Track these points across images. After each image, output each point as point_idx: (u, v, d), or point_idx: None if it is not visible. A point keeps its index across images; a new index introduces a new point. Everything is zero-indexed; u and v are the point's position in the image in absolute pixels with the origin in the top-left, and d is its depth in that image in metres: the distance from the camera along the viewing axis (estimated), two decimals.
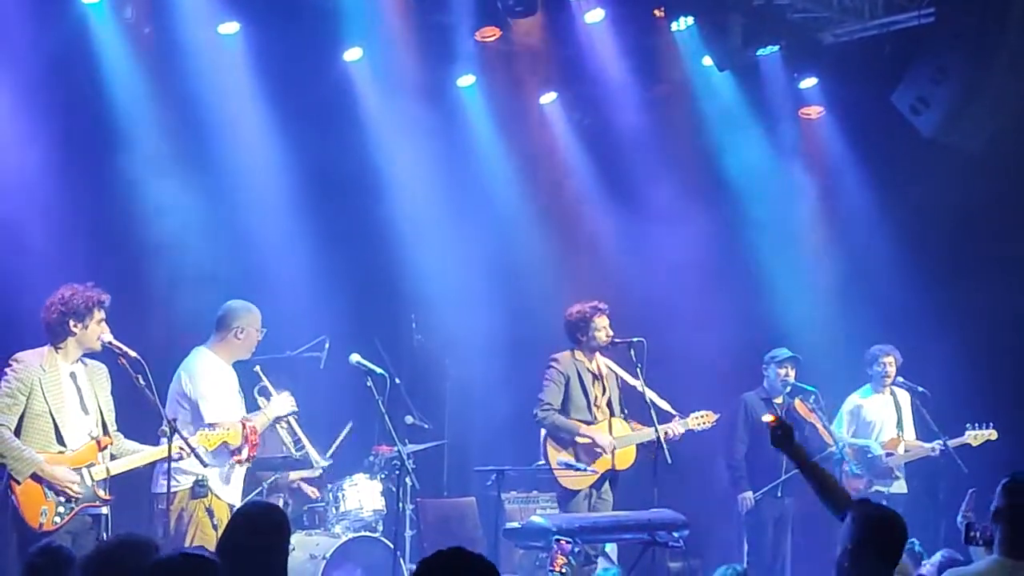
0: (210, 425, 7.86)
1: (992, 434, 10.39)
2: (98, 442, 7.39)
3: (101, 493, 7.35)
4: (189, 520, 7.81)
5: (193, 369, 8.09)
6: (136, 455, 7.56)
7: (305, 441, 9.09)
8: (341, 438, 9.90)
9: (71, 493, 7.19)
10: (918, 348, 10.85)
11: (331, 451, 9.72)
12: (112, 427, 7.58)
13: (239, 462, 8.05)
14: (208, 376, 8.10)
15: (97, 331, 7.41)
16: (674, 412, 9.48)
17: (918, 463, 10.63)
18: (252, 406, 8.42)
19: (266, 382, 8.57)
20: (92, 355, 7.57)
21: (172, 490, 7.74)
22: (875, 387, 10.83)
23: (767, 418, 5.76)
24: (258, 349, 9.14)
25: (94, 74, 9.54)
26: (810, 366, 10.64)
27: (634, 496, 9.42)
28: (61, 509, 7.17)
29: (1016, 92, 10.37)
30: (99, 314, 7.42)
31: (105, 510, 7.41)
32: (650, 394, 9.31)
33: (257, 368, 8.44)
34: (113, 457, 7.50)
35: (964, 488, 9.78)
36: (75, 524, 7.24)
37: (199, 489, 7.73)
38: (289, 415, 8.48)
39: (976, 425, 10.40)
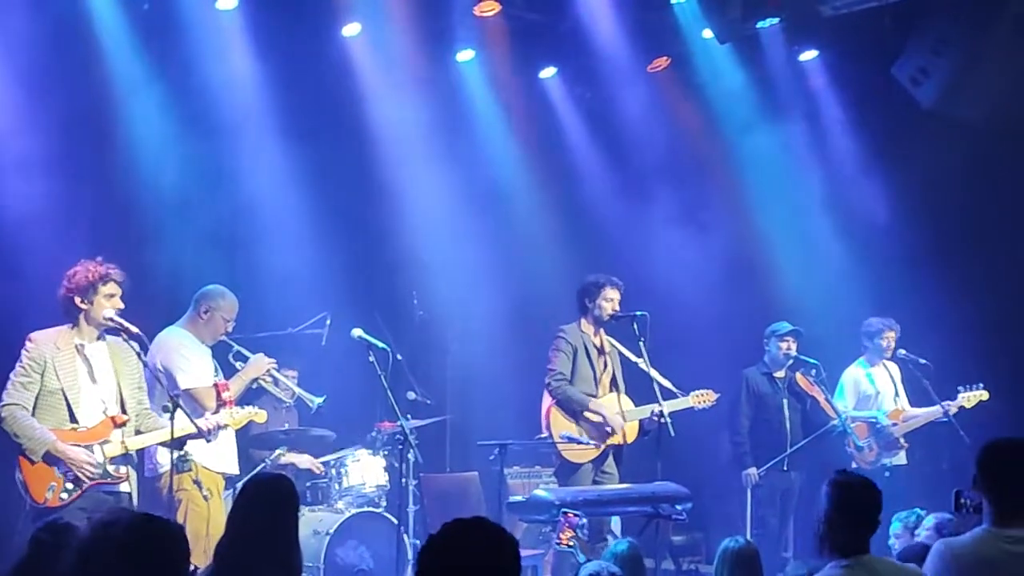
0: (231, 405, 7.91)
1: (984, 394, 10.30)
2: (113, 419, 7.36)
3: (113, 470, 7.31)
4: (180, 495, 7.79)
5: (160, 342, 8.07)
6: (155, 432, 7.54)
7: (292, 386, 9.14)
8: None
9: (83, 475, 7.15)
10: (919, 318, 10.82)
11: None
12: (136, 404, 7.55)
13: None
14: (176, 346, 8.11)
15: (105, 306, 7.36)
16: (675, 389, 9.47)
17: (920, 435, 10.62)
18: (229, 373, 8.43)
19: (238, 347, 8.56)
20: (114, 332, 7.51)
21: (159, 472, 7.83)
22: (871, 359, 10.81)
23: None
24: (259, 326, 9.18)
25: (92, 50, 9.49)
26: (811, 339, 10.61)
27: (637, 470, 9.44)
28: (69, 486, 7.14)
29: (1016, 62, 10.32)
30: (106, 288, 7.36)
31: (125, 487, 7.39)
32: (652, 371, 9.32)
33: (223, 336, 8.39)
34: (138, 433, 7.51)
35: (966, 458, 9.87)
36: (88, 501, 7.15)
37: (182, 464, 7.65)
38: (267, 372, 8.48)
39: (967, 387, 10.35)
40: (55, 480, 7.13)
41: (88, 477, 7.16)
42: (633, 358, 9.50)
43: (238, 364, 8.51)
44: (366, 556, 9.13)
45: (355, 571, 9.02)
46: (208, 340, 8.30)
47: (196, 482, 7.81)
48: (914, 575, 5.02)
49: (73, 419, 7.27)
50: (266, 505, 4.93)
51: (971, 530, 5.15)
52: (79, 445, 7.21)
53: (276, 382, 8.83)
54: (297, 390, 9.15)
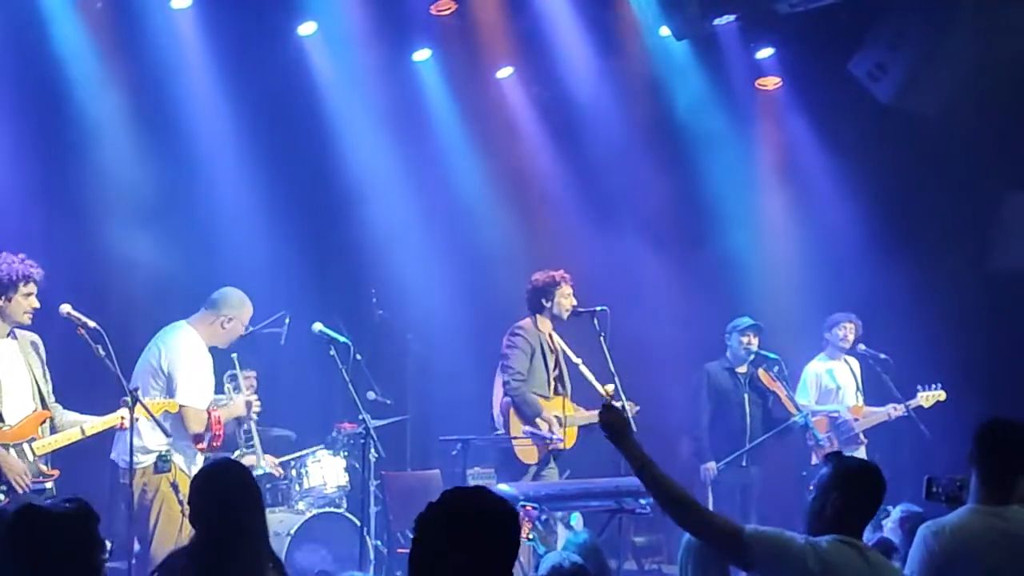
0: (220, 440, 7.86)
1: (941, 395, 10.34)
2: (38, 416, 7.22)
3: (44, 468, 7.18)
4: (154, 495, 7.69)
5: (173, 344, 7.90)
6: (76, 428, 7.32)
7: (257, 446, 8.98)
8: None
9: (18, 486, 6.99)
10: (878, 314, 10.86)
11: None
12: (50, 399, 7.39)
13: (201, 450, 7.90)
14: (190, 356, 7.91)
15: (24, 305, 7.18)
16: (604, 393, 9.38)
17: (881, 429, 10.63)
18: (219, 390, 8.32)
19: (238, 371, 8.46)
20: (25, 327, 7.33)
21: (135, 466, 7.62)
22: (831, 354, 10.82)
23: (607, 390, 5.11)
24: None
25: (46, 50, 9.43)
26: (772, 334, 10.61)
27: (597, 467, 9.37)
28: (4, 487, 6.99)
29: (973, 56, 10.37)
30: (25, 287, 7.17)
31: (49, 484, 7.21)
32: (585, 371, 9.29)
33: (234, 355, 8.31)
34: (54, 430, 7.32)
35: (927, 452, 9.92)
36: (16, 500, 6.94)
37: (162, 464, 7.58)
38: (248, 418, 8.42)
39: (926, 387, 10.39)
40: None
41: (23, 488, 7.00)
42: (574, 358, 9.44)
43: (228, 386, 8.43)
44: (327, 557, 9.05)
45: (316, 572, 8.93)
46: (221, 345, 8.16)
47: (173, 485, 7.69)
48: None
49: None
50: (223, 492, 4.81)
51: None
52: (9, 446, 7.05)
53: (248, 430, 8.74)
54: (259, 452, 8.97)
